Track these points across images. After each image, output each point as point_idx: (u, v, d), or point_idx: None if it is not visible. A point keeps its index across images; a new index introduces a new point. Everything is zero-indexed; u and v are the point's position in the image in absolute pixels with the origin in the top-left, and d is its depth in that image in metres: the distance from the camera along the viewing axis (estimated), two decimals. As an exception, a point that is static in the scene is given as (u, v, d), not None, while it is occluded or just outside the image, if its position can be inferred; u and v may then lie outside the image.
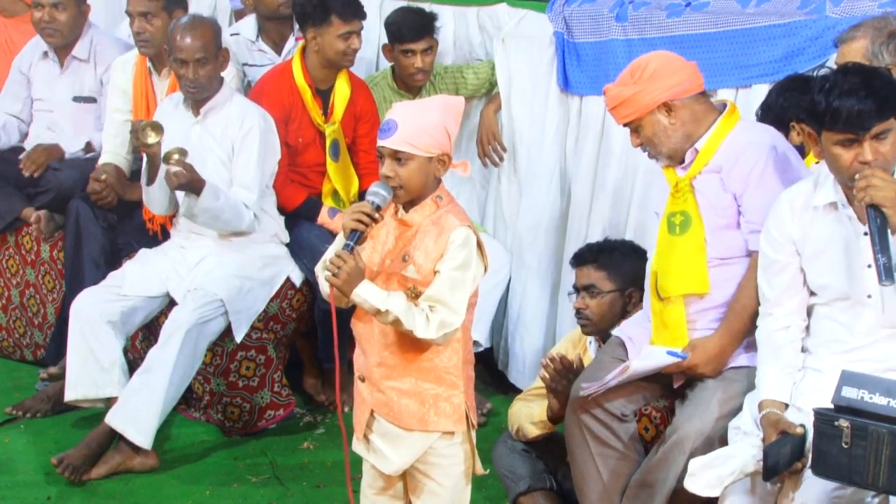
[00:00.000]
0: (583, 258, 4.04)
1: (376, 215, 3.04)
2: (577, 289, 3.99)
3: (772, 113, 3.78)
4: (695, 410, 3.47)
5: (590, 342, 4.05)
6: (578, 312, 3.95)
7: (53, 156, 5.20)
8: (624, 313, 3.93)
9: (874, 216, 3.04)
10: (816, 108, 3.13)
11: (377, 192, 3.07)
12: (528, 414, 3.96)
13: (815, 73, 3.97)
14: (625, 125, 3.63)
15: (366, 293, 3.01)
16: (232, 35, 5.34)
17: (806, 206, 3.30)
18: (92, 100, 5.30)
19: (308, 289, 4.81)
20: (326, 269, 3.02)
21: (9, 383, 5.14)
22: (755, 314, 3.48)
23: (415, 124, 3.06)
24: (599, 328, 3.94)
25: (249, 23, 5.41)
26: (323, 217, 4.86)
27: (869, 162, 3.08)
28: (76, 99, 5.30)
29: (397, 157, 3.06)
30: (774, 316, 3.37)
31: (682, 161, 3.58)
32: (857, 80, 3.10)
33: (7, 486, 4.24)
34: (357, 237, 3.04)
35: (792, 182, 3.44)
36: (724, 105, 3.64)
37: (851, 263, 3.21)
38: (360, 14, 4.86)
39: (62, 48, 5.31)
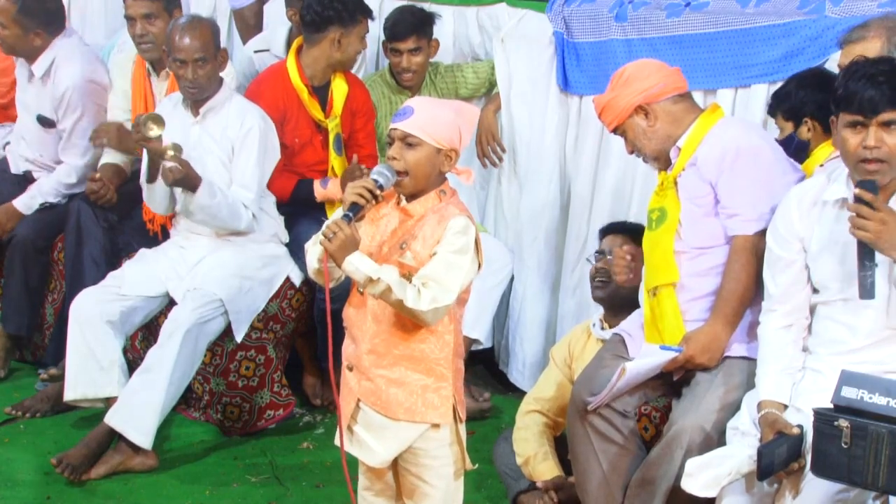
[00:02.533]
0: (618, 227, 4.13)
1: (377, 192, 3.05)
2: (602, 252, 4.04)
3: (787, 103, 3.78)
4: (691, 405, 3.49)
5: (593, 325, 4.06)
6: (602, 272, 3.98)
7: (13, 218, 5.13)
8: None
9: (860, 244, 3.10)
10: (836, 90, 3.16)
11: (382, 172, 3.08)
12: (539, 464, 3.94)
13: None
14: (612, 132, 3.74)
15: (358, 261, 3.00)
16: (257, 52, 5.33)
17: (815, 203, 3.30)
18: (51, 124, 5.17)
19: (308, 288, 4.81)
20: (322, 233, 3.02)
21: (8, 383, 5.15)
22: (743, 298, 3.53)
23: (430, 114, 3.10)
24: (616, 293, 3.94)
25: (279, 37, 5.37)
26: (318, 190, 4.86)
27: (871, 147, 3.10)
28: (39, 119, 5.19)
29: (407, 141, 3.08)
30: (778, 313, 3.37)
31: (669, 162, 3.65)
32: (884, 67, 3.12)
33: (7, 486, 4.24)
34: (356, 211, 3.04)
35: (768, 167, 3.52)
36: (707, 106, 3.71)
37: (855, 262, 3.19)
38: (373, 16, 5.00)
39: (27, 59, 5.17)
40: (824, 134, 3.72)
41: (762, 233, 3.49)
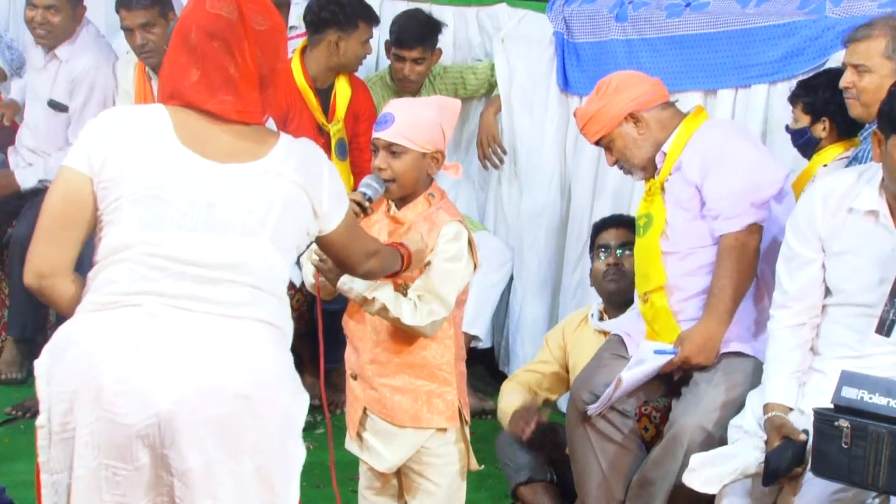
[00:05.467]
0: (616, 220, 4.15)
1: (367, 205, 3.05)
2: (608, 246, 4.05)
3: (811, 97, 3.78)
4: (691, 404, 3.50)
5: (591, 315, 4.07)
6: (616, 267, 3.99)
7: (8, 187, 5.17)
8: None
9: None
10: (887, 110, 3.03)
11: (370, 184, 3.09)
12: (505, 402, 4.00)
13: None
14: (596, 143, 3.75)
15: (351, 281, 3.01)
16: None
17: (841, 205, 3.22)
18: (64, 108, 5.21)
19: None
20: (315, 253, 3.03)
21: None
22: (735, 294, 3.52)
23: (411, 119, 3.10)
24: (628, 287, 3.94)
25: None
26: None
27: None
28: (51, 103, 5.22)
29: (392, 150, 3.09)
30: (793, 310, 3.32)
31: (655, 169, 3.66)
32: None
33: (7, 487, 4.23)
34: None
35: (751, 166, 3.52)
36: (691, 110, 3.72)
37: (880, 274, 3.16)
38: (378, 21, 4.98)
39: (56, 44, 5.26)
40: (838, 136, 3.75)
41: (748, 229, 3.50)
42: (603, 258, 4.04)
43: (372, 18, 4.92)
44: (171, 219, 2.37)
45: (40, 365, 2.37)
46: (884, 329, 3.07)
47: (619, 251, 4.02)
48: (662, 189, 3.63)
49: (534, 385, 4.11)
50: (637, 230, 3.74)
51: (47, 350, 2.38)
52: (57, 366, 2.34)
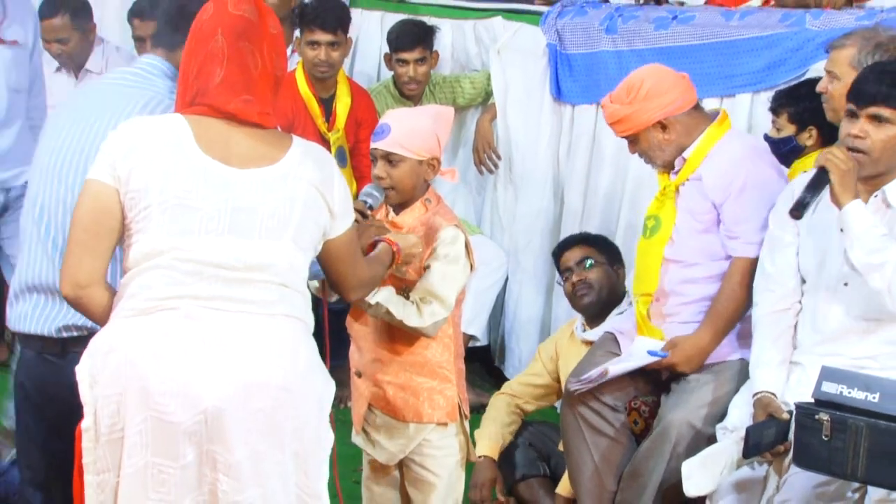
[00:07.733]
0: (568, 242, 4.21)
1: (368, 213, 3.11)
2: (569, 269, 4.11)
3: (797, 106, 3.79)
4: (679, 400, 3.55)
5: (577, 327, 4.13)
6: (581, 283, 4.05)
7: None
8: (617, 289, 4.07)
9: (819, 172, 3.12)
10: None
11: (370, 193, 3.14)
12: (479, 439, 4.05)
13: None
14: (621, 136, 3.72)
15: None
16: None
17: None
18: None
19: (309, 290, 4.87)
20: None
21: (10, 383, 5.16)
22: (735, 315, 3.56)
23: (407, 128, 3.15)
24: (600, 297, 4.02)
25: None
26: None
27: (853, 136, 3.11)
28: None
29: (389, 159, 3.14)
30: (777, 294, 3.37)
31: (674, 168, 3.67)
32: None
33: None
34: None
35: (771, 195, 3.49)
36: (717, 113, 3.69)
37: (831, 251, 3.23)
38: (325, 26, 4.89)
39: (74, 65, 5.39)
40: (822, 144, 3.72)
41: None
42: (572, 279, 4.09)
43: (308, 22, 4.90)
44: (200, 225, 2.43)
45: (82, 370, 2.42)
46: (796, 209, 3.13)
47: (581, 268, 4.07)
48: (677, 191, 3.63)
49: (524, 397, 4.16)
50: (644, 230, 3.72)
51: (88, 355, 2.43)
52: (100, 370, 2.40)
